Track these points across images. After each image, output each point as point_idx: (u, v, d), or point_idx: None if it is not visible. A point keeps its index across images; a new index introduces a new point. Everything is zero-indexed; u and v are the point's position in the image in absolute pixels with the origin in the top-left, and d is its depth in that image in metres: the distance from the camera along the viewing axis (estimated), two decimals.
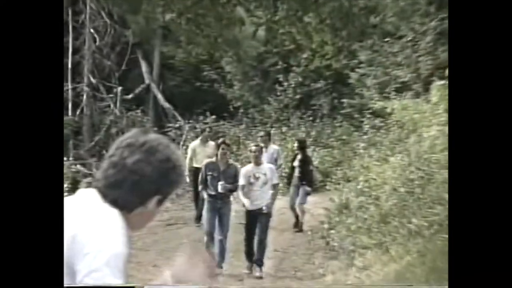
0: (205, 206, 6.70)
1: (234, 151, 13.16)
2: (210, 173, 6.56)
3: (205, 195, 6.67)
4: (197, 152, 8.69)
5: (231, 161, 6.96)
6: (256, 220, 6.57)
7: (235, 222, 7.95)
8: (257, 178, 6.56)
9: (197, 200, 8.52)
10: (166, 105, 16.71)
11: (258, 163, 6.65)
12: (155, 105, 17.14)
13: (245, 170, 6.68)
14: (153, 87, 17.26)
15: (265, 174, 6.60)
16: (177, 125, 15.31)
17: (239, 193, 6.68)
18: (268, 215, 6.66)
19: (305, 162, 8.71)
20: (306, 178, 8.68)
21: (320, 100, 16.83)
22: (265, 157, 8.20)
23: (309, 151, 12.62)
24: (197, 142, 9.14)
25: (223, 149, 6.60)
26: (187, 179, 9.03)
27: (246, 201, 6.59)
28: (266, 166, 6.80)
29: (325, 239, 8.07)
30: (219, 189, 6.47)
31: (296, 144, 9.19)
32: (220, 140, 6.91)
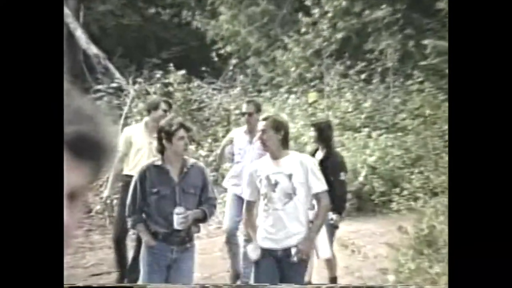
0: (143, 258, 6.24)
1: (220, 137, 13.05)
2: (154, 189, 6.11)
3: (143, 236, 6.21)
4: (134, 145, 8.30)
5: (191, 160, 6.41)
6: (273, 273, 6.11)
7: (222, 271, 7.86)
8: (274, 185, 6.13)
9: (120, 241, 8.36)
10: (92, 49, 16.60)
11: (276, 154, 6.19)
12: (72, 50, 17.03)
13: (252, 170, 6.30)
14: (67, 15, 17.11)
15: (289, 176, 6.14)
16: (113, 87, 15.23)
17: (243, 217, 6.33)
18: (302, 265, 6.18)
19: (330, 165, 8.15)
20: (331, 196, 8.03)
21: (381, 42, 16.70)
22: (249, 151, 8.07)
23: (338, 144, 12.41)
24: (138, 126, 8.75)
25: (180, 138, 6.09)
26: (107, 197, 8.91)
27: (252, 236, 6.15)
28: (294, 158, 6.26)
29: None
30: (176, 222, 5.99)
31: (312, 132, 8.67)
32: (174, 121, 6.19)
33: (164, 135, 6.09)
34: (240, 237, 8.09)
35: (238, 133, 8.57)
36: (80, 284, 7.41)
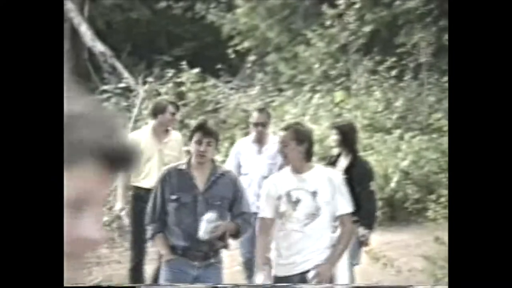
0: (162, 275, 6.18)
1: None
2: (174, 196, 6.06)
3: (161, 249, 6.16)
4: (142, 153, 8.03)
5: (223, 168, 6.40)
6: None
7: None
8: (295, 203, 5.98)
9: (138, 256, 8.35)
10: (98, 46, 16.64)
11: (299, 167, 6.05)
12: (76, 47, 17.09)
13: (269, 184, 6.18)
14: (71, 10, 17.19)
15: (314, 194, 5.99)
16: (120, 87, 15.27)
17: (257, 238, 6.17)
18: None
19: (356, 174, 7.93)
20: (358, 209, 7.75)
21: (414, 35, 16.63)
22: (257, 163, 8.13)
23: (363, 150, 12.32)
24: (144, 132, 8.74)
25: (196, 142, 5.97)
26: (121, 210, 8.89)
27: (262, 264, 5.97)
28: (320, 173, 6.14)
29: None
30: (204, 230, 5.79)
31: (334, 136, 8.52)
32: (197, 122, 6.29)
33: (189, 135, 6.08)
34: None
35: (244, 143, 8.57)
36: (80, 284, 7.49)
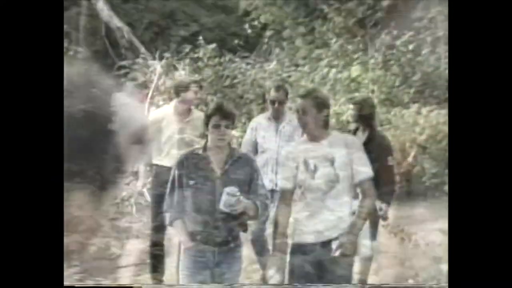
0: (182, 262, 6.12)
1: (255, 116, 12.98)
2: (191, 182, 5.97)
3: (180, 236, 6.05)
4: (164, 131, 8.37)
5: (240, 150, 6.41)
6: (311, 272, 5.83)
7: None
8: (313, 171, 5.92)
9: (159, 232, 8.39)
10: (115, 22, 16.65)
11: (316, 134, 5.95)
12: (93, 22, 17.08)
13: (286, 155, 6.08)
14: None
15: (332, 161, 5.93)
16: (137, 62, 15.28)
17: (277, 211, 6.03)
18: (345, 264, 5.83)
19: (374, 149, 7.79)
20: (376, 184, 7.57)
21: (431, 8, 16.52)
22: (274, 137, 8.23)
23: (380, 125, 12.32)
24: (167, 109, 8.74)
25: (215, 125, 5.89)
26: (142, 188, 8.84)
27: (282, 242, 5.87)
28: (337, 139, 6.01)
29: None
30: (224, 203, 5.74)
31: (351, 111, 8.45)
32: (212, 104, 6.07)
33: (205, 119, 5.97)
34: (269, 236, 7.98)
35: (261, 120, 8.57)
36: (80, 284, 7.50)
